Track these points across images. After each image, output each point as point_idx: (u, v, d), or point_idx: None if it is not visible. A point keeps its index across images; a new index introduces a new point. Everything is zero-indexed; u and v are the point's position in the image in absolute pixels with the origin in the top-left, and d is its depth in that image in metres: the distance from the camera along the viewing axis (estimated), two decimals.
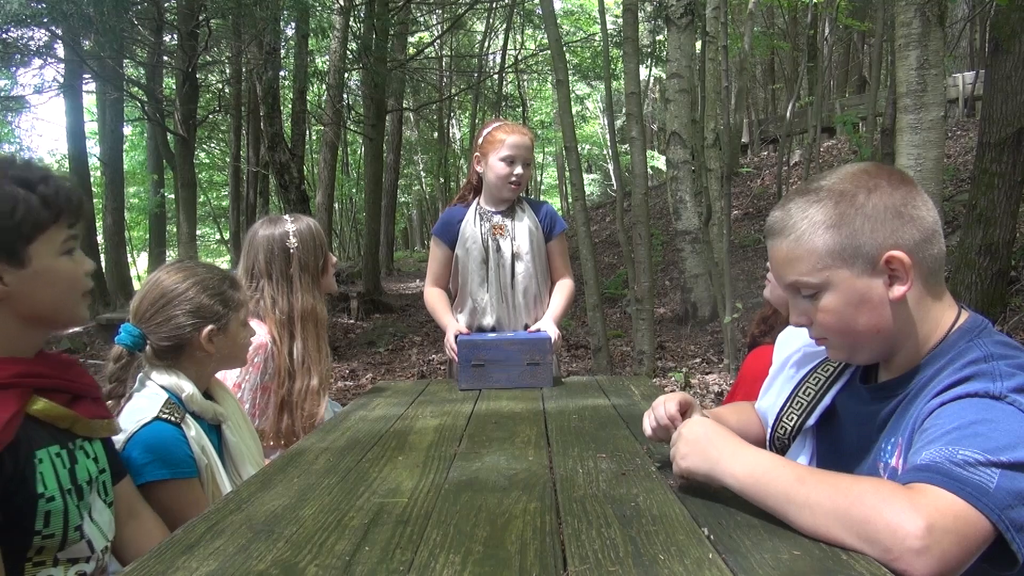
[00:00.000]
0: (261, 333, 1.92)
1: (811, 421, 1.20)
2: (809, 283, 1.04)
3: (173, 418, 1.45)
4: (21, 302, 1.11)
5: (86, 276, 1.20)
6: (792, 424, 1.22)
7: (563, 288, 2.51)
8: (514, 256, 2.43)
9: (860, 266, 1.01)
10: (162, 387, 1.50)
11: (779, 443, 1.25)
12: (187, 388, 1.52)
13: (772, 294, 1.94)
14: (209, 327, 1.55)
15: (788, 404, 1.23)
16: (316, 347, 2.00)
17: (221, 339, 1.58)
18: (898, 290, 1.01)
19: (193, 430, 1.48)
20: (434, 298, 2.50)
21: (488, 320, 2.44)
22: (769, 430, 1.27)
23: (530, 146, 2.42)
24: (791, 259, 1.05)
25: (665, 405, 1.24)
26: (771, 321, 2.05)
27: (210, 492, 1.48)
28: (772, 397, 1.33)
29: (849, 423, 1.14)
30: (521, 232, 2.44)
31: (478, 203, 2.48)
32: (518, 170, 2.37)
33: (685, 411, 1.24)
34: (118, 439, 1.42)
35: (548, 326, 2.34)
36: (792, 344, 1.34)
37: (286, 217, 2.11)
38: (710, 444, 1.02)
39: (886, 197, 1.01)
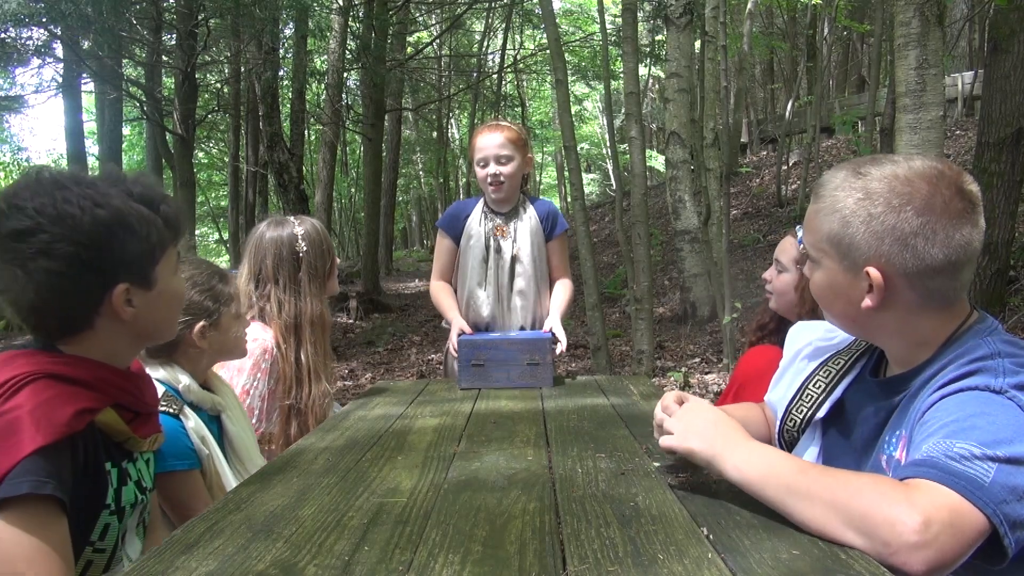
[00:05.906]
0: (266, 338, 1.91)
1: (821, 414, 1.20)
2: (809, 253, 1.10)
3: (171, 409, 1.45)
4: (141, 322, 1.11)
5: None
6: (802, 416, 1.22)
7: (563, 287, 2.51)
8: (514, 259, 2.43)
9: (847, 264, 1.03)
10: (158, 380, 1.49)
11: (788, 436, 1.25)
12: (183, 379, 1.53)
13: (777, 302, 1.95)
14: (200, 323, 1.55)
15: (798, 397, 1.23)
16: (323, 351, 2.00)
17: (213, 334, 1.59)
18: (867, 302, 1.02)
19: (192, 420, 1.49)
20: (440, 291, 2.48)
21: (483, 317, 2.44)
22: (778, 423, 1.27)
23: (503, 141, 2.33)
24: (809, 225, 1.09)
25: (663, 400, 1.19)
26: (769, 327, 2.06)
27: (213, 483, 1.48)
28: (782, 390, 1.32)
29: (856, 417, 1.14)
30: (523, 234, 2.43)
31: (484, 201, 2.48)
32: (491, 169, 2.34)
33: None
34: None
35: (556, 328, 2.30)
36: (803, 337, 1.34)
37: (291, 219, 2.06)
38: (717, 431, 1.02)
39: (903, 221, 0.97)
